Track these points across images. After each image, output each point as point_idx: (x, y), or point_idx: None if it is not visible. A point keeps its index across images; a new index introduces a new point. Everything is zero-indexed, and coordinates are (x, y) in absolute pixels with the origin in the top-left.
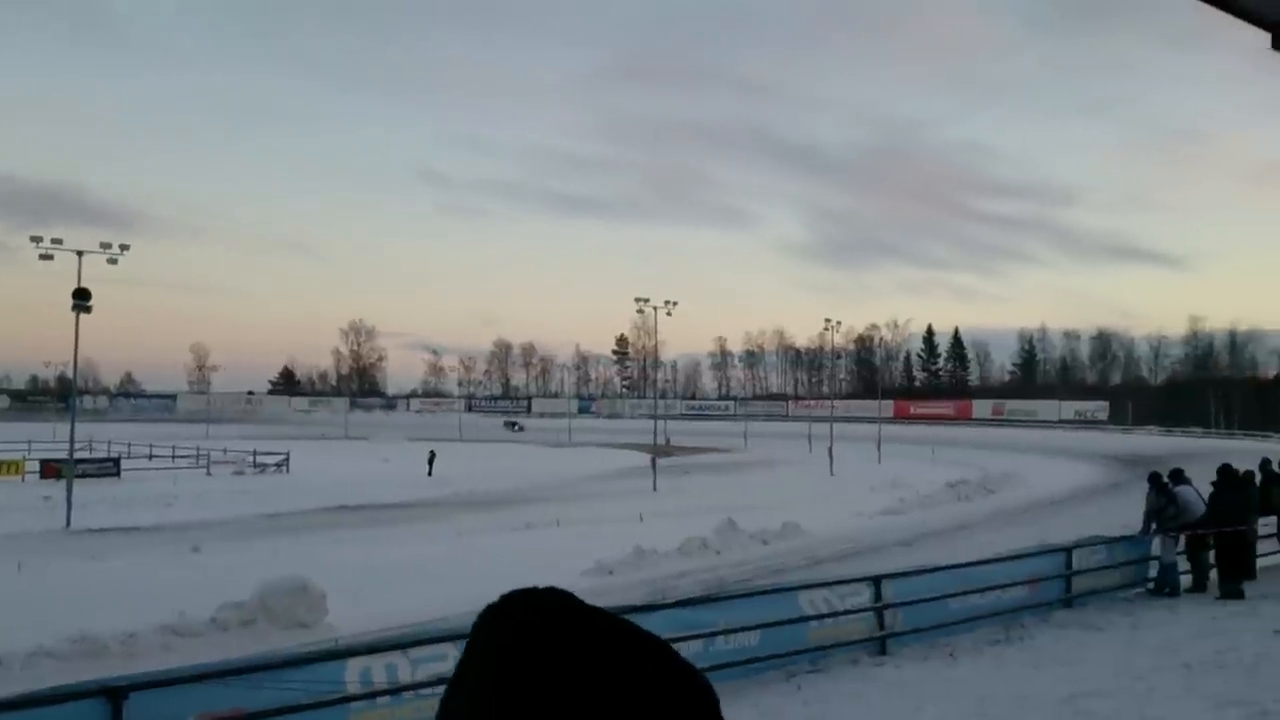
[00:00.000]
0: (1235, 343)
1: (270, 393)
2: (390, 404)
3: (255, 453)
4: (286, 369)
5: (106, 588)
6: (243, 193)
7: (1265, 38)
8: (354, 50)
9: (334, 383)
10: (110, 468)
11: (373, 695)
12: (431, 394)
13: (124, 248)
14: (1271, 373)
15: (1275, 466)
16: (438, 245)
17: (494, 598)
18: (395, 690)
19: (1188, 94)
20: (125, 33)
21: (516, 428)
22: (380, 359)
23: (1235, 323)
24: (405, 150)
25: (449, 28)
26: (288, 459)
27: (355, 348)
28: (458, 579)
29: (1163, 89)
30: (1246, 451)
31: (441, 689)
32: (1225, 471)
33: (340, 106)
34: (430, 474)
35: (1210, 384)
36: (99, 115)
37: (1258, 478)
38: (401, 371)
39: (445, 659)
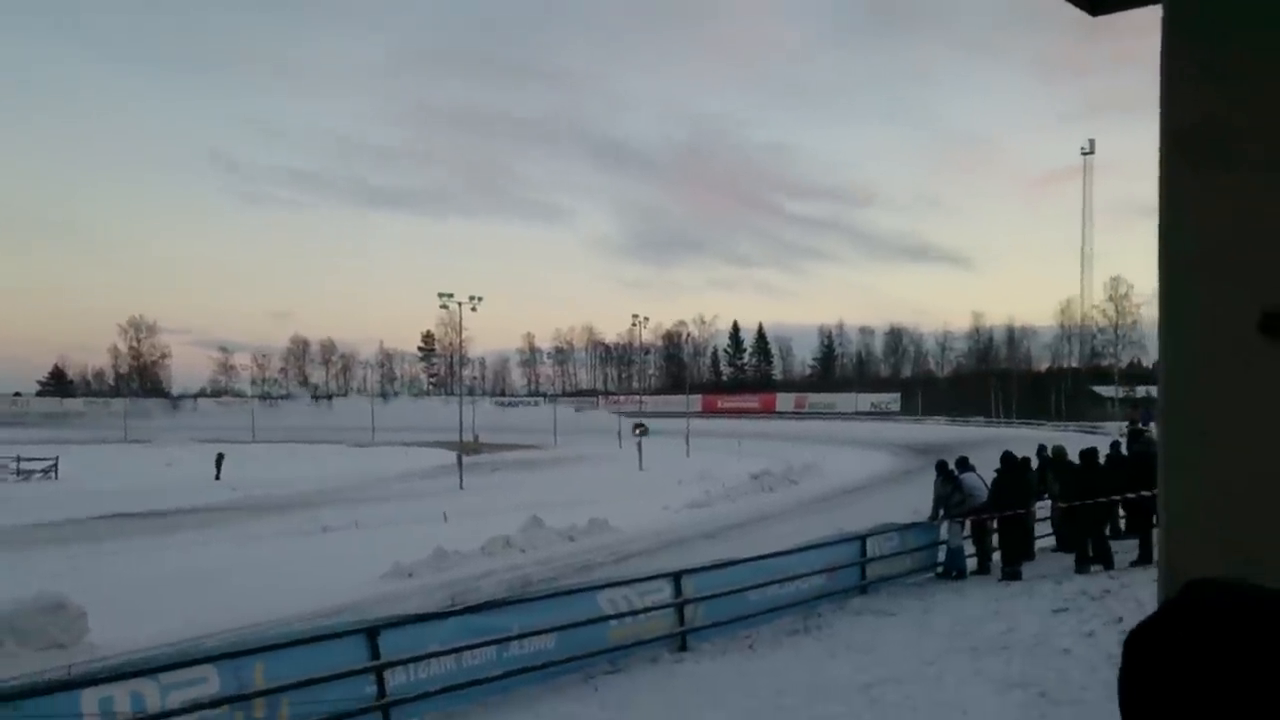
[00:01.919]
0: (1013, 338)
1: (39, 393)
2: (175, 404)
3: (19, 458)
4: (57, 368)
5: None
6: (2, 172)
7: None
8: (134, 21)
9: (112, 382)
10: None
11: None
12: (221, 393)
13: None
14: (1044, 366)
15: (1050, 453)
16: (227, 236)
17: (285, 608)
18: None
19: (978, 102)
20: None
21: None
22: (164, 357)
23: (1012, 319)
24: (191, 133)
25: (240, 4)
26: (57, 464)
27: (135, 345)
28: (242, 590)
29: (956, 96)
30: (1023, 439)
31: (197, 716)
32: (1007, 458)
33: (119, 81)
34: (219, 477)
35: (991, 376)
36: None
37: (1034, 464)
38: (187, 370)
39: (205, 682)
